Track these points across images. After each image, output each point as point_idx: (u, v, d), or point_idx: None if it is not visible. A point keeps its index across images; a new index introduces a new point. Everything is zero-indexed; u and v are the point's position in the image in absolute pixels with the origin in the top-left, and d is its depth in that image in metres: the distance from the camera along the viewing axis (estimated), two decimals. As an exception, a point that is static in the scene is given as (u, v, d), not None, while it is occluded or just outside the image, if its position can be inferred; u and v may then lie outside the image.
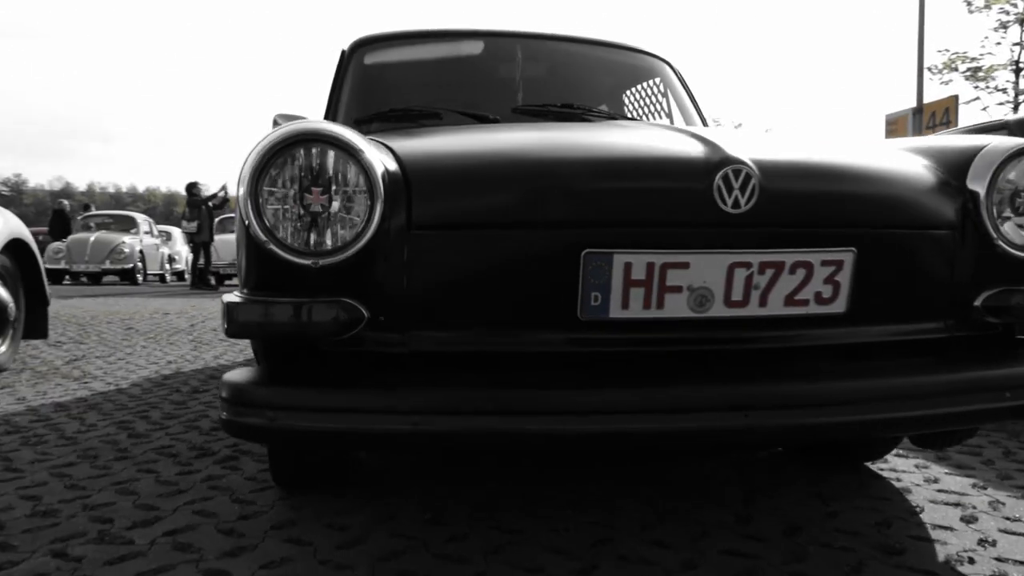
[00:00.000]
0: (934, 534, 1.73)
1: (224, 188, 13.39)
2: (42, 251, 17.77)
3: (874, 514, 1.85)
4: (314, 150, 1.35)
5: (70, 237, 16.24)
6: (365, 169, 1.35)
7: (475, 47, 3.01)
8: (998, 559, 1.59)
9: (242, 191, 1.34)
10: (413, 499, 1.94)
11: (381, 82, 2.91)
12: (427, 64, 3.00)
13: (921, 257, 1.54)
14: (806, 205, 1.43)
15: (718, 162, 1.36)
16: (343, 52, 2.99)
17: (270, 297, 1.36)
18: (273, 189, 1.34)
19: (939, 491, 2.04)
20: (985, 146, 1.62)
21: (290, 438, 1.34)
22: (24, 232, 4.26)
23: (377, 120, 2.66)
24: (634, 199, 1.38)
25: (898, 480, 2.14)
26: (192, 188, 13.40)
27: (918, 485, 2.09)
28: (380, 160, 1.39)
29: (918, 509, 1.90)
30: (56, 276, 16.04)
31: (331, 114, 2.80)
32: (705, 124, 3.05)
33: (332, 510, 1.85)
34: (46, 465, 2.25)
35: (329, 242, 1.35)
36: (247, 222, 1.34)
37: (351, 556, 1.59)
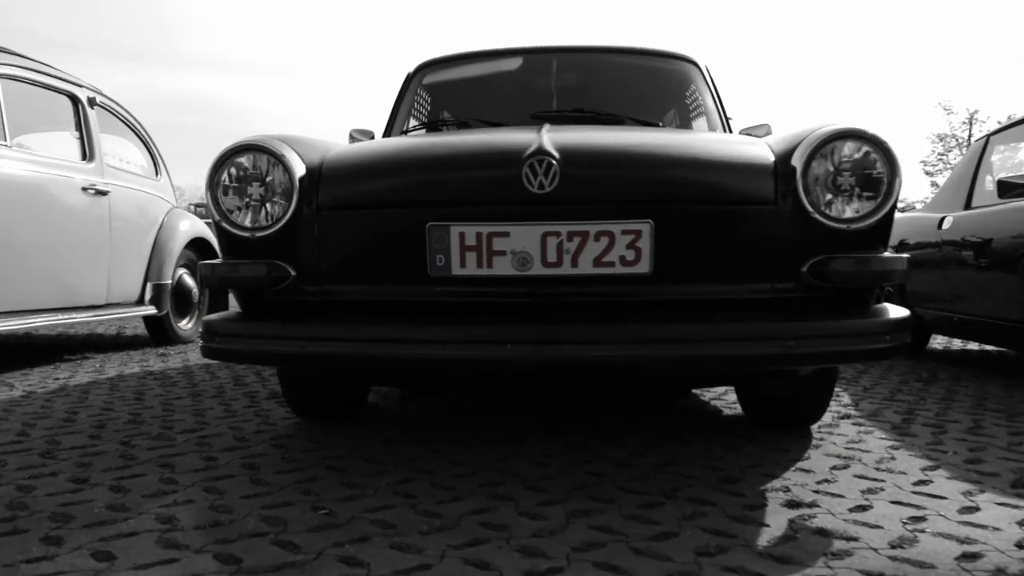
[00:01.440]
0: (787, 474, 1.96)
1: None
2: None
3: (753, 458, 2.10)
4: (251, 156, 1.92)
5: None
6: (287, 169, 1.89)
7: (516, 63, 3.48)
8: (816, 491, 1.82)
9: (206, 185, 1.94)
10: (383, 428, 2.46)
11: (431, 98, 3.47)
12: (472, 81, 3.51)
13: (733, 228, 1.81)
14: (603, 186, 1.77)
15: (529, 154, 1.75)
16: (408, 74, 3.58)
17: (228, 260, 1.95)
18: (223, 184, 1.92)
19: (849, 449, 2.22)
20: (815, 130, 1.85)
21: (223, 356, 1.92)
22: (206, 232, 5.32)
23: (418, 131, 3.22)
24: (464, 184, 1.81)
25: (821, 439, 2.33)
26: None
27: (835, 444, 2.28)
28: (302, 163, 1.93)
29: (804, 458, 2.11)
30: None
31: (389, 127, 3.40)
32: (724, 119, 3.28)
33: (320, 430, 2.43)
34: (164, 398, 3.04)
35: (262, 220, 1.91)
36: (211, 207, 1.94)
37: (305, 456, 2.14)
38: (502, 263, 1.78)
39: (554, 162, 1.74)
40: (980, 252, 3.69)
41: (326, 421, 2.57)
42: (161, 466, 2.04)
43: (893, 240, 4.47)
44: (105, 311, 4.33)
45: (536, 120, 2.97)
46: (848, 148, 1.81)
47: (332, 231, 1.90)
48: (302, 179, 1.90)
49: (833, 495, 1.79)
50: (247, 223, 1.92)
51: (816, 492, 1.81)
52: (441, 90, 3.53)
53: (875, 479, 1.92)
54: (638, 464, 2.05)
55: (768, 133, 3.25)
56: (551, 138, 1.82)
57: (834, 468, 2.02)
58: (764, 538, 1.51)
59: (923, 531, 1.55)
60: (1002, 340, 3.69)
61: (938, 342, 5.17)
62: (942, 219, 4.14)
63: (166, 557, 1.41)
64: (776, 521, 1.61)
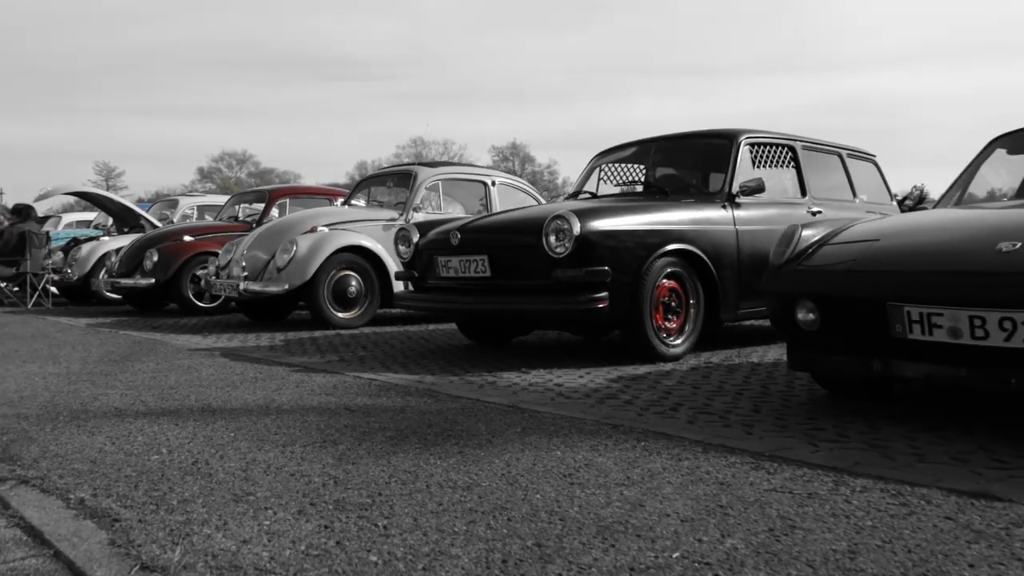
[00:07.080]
0: (566, 376, 4.21)
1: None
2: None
3: (580, 376, 4.34)
4: (404, 231, 5.10)
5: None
6: (412, 236, 5.03)
7: (634, 149, 5.77)
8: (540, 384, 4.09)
9: (393, 241, 5.19)
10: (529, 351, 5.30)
11: (596, 175, 5.97)
12: (615, 162, 5.90)
13: (524, 256, 4.25)
14: (473, 240, 4.42)
15: (454, 229, 4.53)
16: (592, 158, 6.16)
17: (403, 270, 5.19)
18: (398, 240, 5.16)
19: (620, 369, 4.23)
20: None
21: (405, 307, 5.09)
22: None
23: (575, 197, 5.86)
24: (437, 241, 4.67)
25: (667, 370, 4.32)
26: None
27: (663, 364, 4.28)
28: (418, 233, 5.02)
29: (588, 368, 4.25)
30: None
31: (571, 192, 6.06)
32: (729, 181, 4.99)
33: (484, 349, 5.40)
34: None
35: (407, 255, 5.08)
36: (395, 251, 5.18)
37: (458, 362, 5.18)
38: (451, 272, 4.61)
39: (459, 232, 4.49)
40: None
41: (485, 345, 5.53)
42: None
43: None
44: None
45: (627, 187, 5.44)
46: (558, 220, 4.07)
47: (423, 258, 4.96)
48: (417, 241, 5.01)
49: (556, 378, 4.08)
50: (404, 256, 5.12)
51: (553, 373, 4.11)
52: (595, 170, 6.01)
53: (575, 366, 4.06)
54: (499, 366, 4.52)
55: (759, 183, 4.97)
56: (468, 218, 4.56)
57: (587, 370, 4.17)
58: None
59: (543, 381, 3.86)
60: None
61: None
62: None
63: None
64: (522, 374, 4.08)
